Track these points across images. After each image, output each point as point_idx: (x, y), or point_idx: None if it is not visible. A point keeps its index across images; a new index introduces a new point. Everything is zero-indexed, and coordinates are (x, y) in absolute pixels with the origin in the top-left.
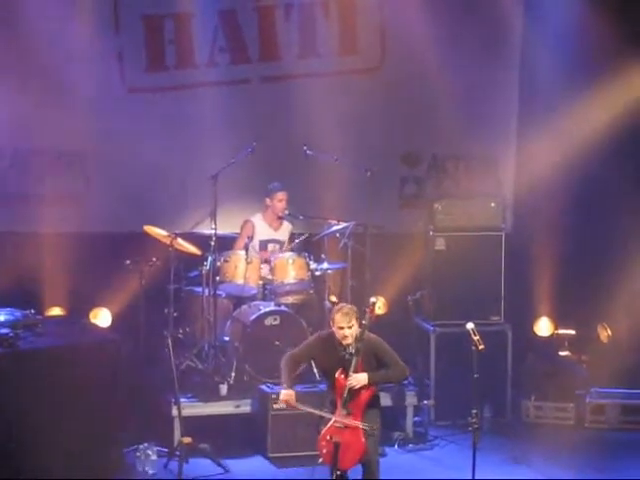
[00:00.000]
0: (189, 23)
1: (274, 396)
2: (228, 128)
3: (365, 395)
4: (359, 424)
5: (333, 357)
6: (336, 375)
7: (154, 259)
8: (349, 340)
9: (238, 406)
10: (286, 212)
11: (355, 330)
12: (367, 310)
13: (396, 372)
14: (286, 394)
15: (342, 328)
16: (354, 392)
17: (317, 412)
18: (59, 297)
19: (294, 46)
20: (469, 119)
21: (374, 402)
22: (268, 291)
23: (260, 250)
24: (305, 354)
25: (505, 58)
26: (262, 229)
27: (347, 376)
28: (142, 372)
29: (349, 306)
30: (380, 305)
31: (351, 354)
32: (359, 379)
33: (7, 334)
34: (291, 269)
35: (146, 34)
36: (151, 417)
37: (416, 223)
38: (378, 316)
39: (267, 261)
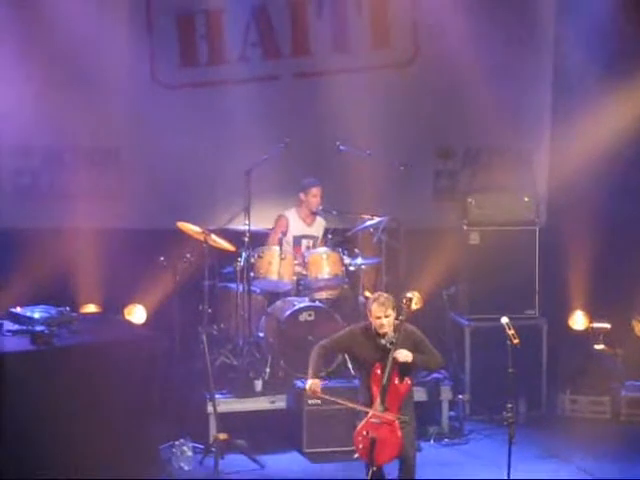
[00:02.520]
0: (220, 19)
1: (302, 386)
2: (261, 124)
3: (403, 389)
4: (395, 416)
5: (370, 349)
6: (373, 368)
7: (188, 255)
8: (386, 329)
9: (273, 402)
10: (320, 207)
11: (392, 319)
12: (404, 305)
13: (434, 359)
14: (312, 383)
15: (379, 317)
16: (391, 386)
17: (346, 403)
18: (94, 294)
19: (326, 41)
20: (502, 112)
21: (409, 399)
22: (302, 287)
23: (294, 246)
24: (336, 345)
25: (539, 51)
26: (296, 224)
27: (384, 370)
28: (177, 368)
29: (385, 295)
30: (416, 300)
31: (391, 342)
32: (404, 354)
33: (43, 331)
34: (325, 264)
35: (178, 30)
36: (186, 413)
37: (450, 217)
38: (414, 311)
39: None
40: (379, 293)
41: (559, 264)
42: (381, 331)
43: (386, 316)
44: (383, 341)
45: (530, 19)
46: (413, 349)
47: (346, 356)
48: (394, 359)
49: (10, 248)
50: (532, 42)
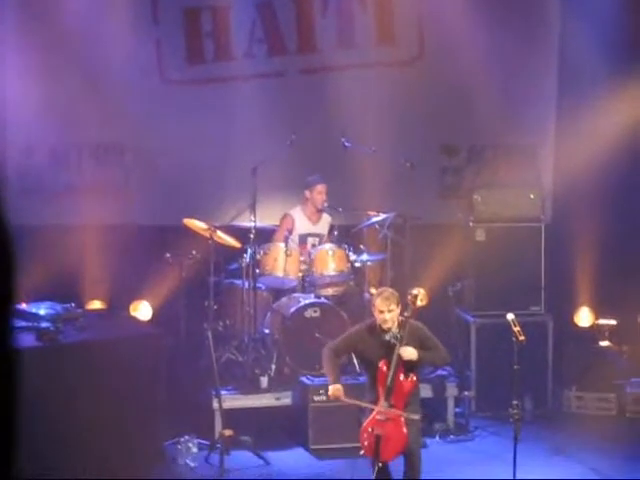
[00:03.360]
0: (227, 15)
1: (321, 391)
2: (266, 120)
3: (408, 385)
4: (401, 413)
5: (375, 346)
6: (379, 365)
7: (194, 252)
8: (389, 324)
9: (278, 398)
10: (325, 204)
11: (395, 315)
12: (409, 301)
13: (440, 355)
14: (334, 389)
15: (382, 312)
16: (397, 383)
17: (365, 405)
18: (99, 290)
19: (332, 38)
20: (508, 108)
21: (415, 395)
22: (308, 283)
23: (300, 244)
24: (346, 345)
25: (544, 47)
26: (301, 222)
27: (389, 367)
28: (183, 365)
29: (390, 290)
30: (421, 297)
31: (396, 338)
32: (409, 351)
33: (48, 328)
34: (331, 261)
35: (184, 26)
36: (192, 410)
37: (455, 214)
38: (419, 307)
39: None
40: (384, 288)
41: (565, 260)
42: (385, 326)
43: (389, 311)
44: (387, 337)
45: (536, 15)
46: (419, 345)
47: (352, 354)
48: (399, 356)
49: (16, 245)
50: (537, 38)
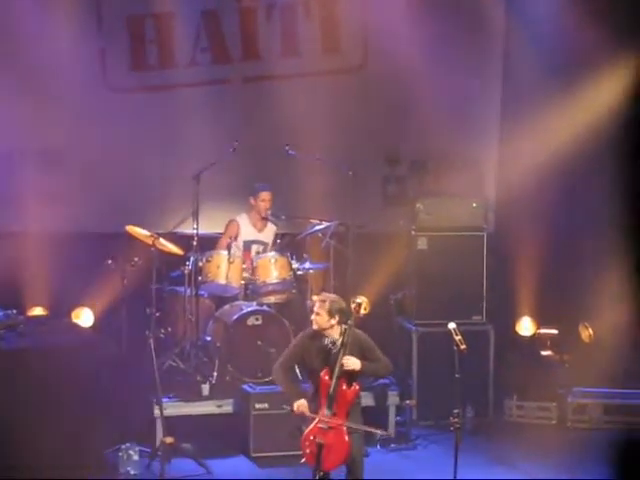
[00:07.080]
0: (171, 23)
1: (286, 407)
2: (210, 128)
3: (350, 394)
4: (343, 422)
5: (317, 352)
6: (321, 375)
7: (136, 259)
8: (315, 325)
9: (220, 406)
10: (269, 212)
11: (323, 320)
12: (353, 310)
13: (383, 366)
14: (299, 405)
15: (313, 312)
16: (339, 392)
17: (331, 421)
18: (41, 297)
19: (276, 46)
20: (451, 118)
21: (357, 404)
22: (250, 291)
23: (244, 250)
24: (292, 358)
25: (488, 57)
26: (246, 229)
27: (332, 376)
28: (124, 372)
29: (332, 298)
30: (365, 305)
31: (333, 343)
32: (353, 361)
33: None
34: (273, 269)
35: (129, 33)
36: (133, 417)
37: (398, 222)
38: (362, 316)
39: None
40: (326, 294)
41: (506, 270)
42: (315, 326)
43: (317, 313)
44: (326, 342)
45: (480, 28)
46: (360, 355)
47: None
48: (342, 366)
49: None
50: (482, 51)
